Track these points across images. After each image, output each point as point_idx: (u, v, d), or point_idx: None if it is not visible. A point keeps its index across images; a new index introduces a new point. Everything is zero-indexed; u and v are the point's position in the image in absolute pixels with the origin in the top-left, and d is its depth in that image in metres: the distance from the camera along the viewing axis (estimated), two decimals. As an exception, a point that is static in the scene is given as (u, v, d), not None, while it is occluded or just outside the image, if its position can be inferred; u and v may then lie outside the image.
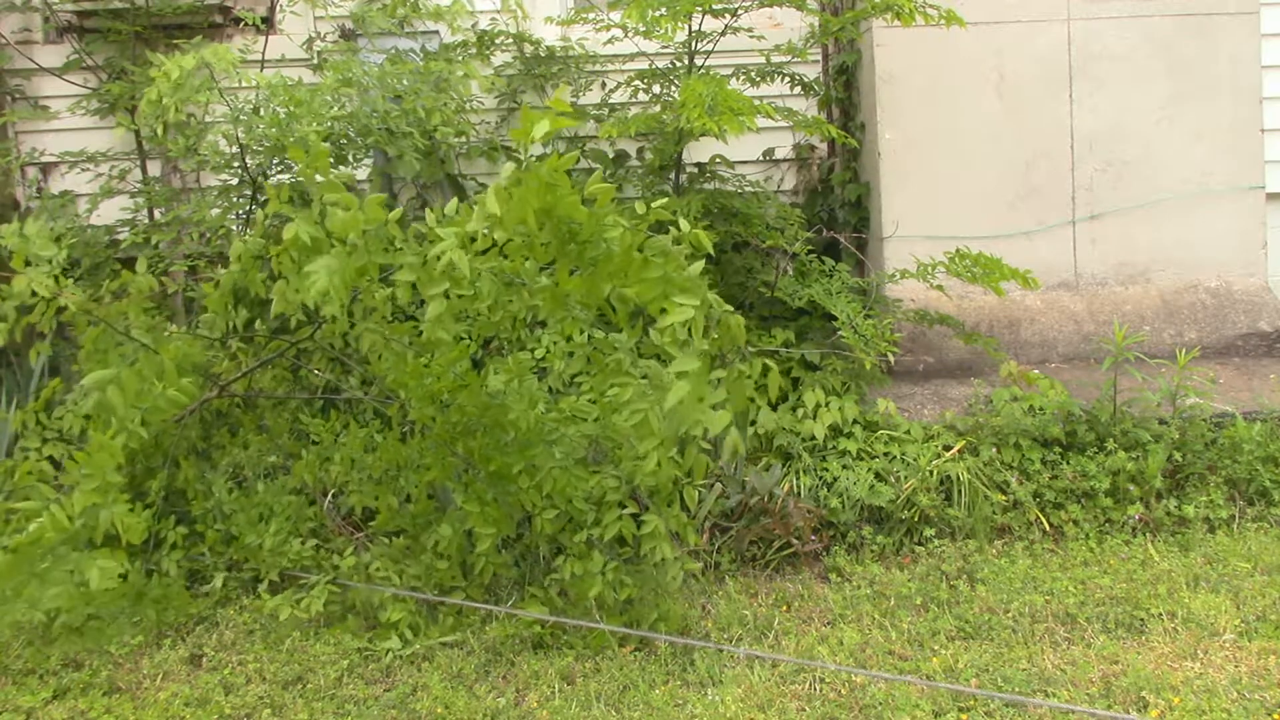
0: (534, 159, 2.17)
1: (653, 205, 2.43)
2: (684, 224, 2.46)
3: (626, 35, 4.56)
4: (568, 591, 3.31)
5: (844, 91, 5.36)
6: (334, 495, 3.76)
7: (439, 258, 2.19)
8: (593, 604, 3.22)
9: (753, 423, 3.95)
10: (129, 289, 2.95)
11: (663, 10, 4.03)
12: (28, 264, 2.66)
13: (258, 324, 3.35)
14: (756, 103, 3.89)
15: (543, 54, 5.21)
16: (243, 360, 3.37)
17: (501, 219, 2.15)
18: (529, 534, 3.47)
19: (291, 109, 3.85)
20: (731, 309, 2.48)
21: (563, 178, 2.20)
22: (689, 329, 2.28)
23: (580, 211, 2.25)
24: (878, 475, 3.90)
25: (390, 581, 3.35)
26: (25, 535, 2.33)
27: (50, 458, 3.24)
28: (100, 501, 2.36)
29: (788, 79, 4.71)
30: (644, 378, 2.75)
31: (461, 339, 3.24)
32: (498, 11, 5.06)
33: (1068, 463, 3.92)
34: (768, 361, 2.53)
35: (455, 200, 2.45)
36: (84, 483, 2.34)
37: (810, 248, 4.55)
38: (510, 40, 5.13)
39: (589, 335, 3.15)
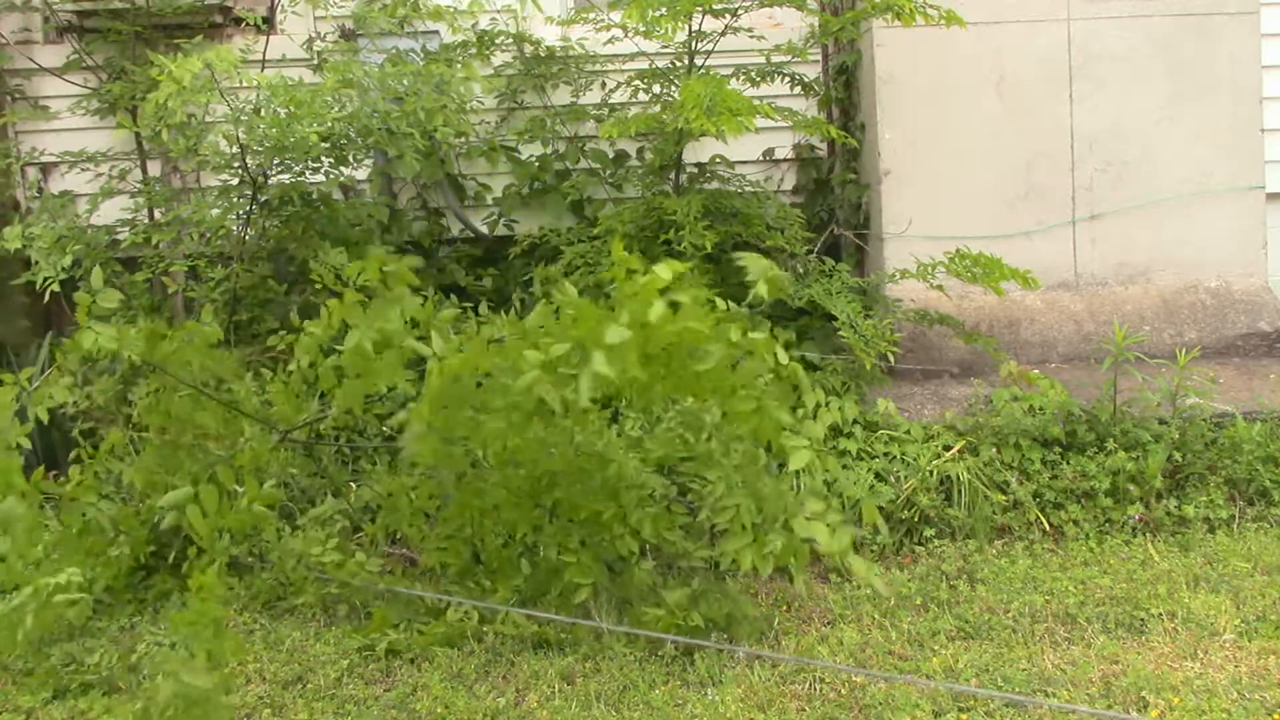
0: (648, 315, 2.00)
1: (751, 335, 2.20)
2: (783, 355, 2.26)
3: (626, 35, 4.56)
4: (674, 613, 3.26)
5: (844, 91, 5.35)
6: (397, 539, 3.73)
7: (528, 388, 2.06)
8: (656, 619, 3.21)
9: None
10: (194, 337, 2.88)
11: (663, 10, 4.03)
12: (89, 314, 2.63)
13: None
14: (756, 103, 3.88)
15: (543, 54, 5.21)
16: (304, 407, 3.29)
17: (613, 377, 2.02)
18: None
19: (292, 109, 3.85)
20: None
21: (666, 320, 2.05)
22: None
23: (679, 337, 2.10)
24: (878, 475, 3.90)
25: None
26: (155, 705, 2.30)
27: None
28: (215, 646, 2.33)
29: (788, 79, 4.71)
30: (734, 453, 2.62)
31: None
32: (498, 11, 5.06)
33: (1068, 463, 3.92)
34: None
35: (537, 309, 2.27)
36: (198, 635, 2.30)
37: (810, 248, 4.55)
38: (510, 40, 5.13)
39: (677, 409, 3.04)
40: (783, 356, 2.27)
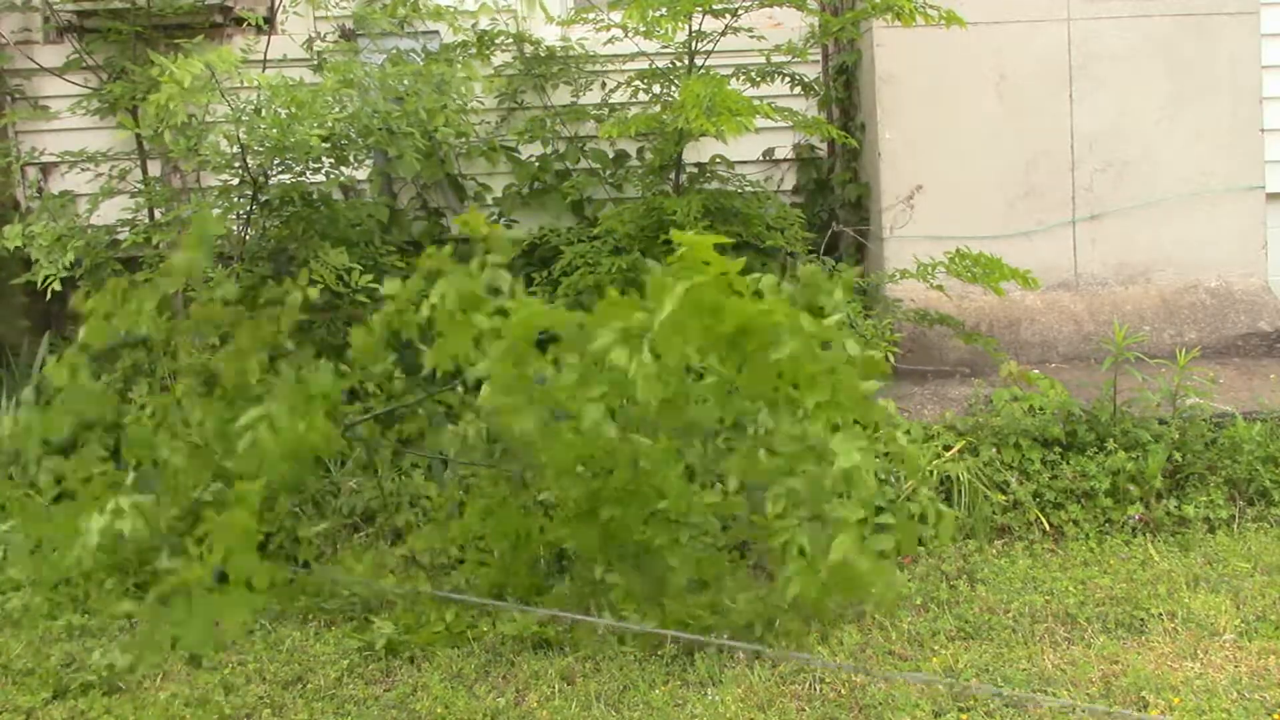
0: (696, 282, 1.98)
1: (824, 322, 2.19)
2: (853, 346, 2.24)
3: (626, 35, 4.56)
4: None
5: (844, 91, 5.36)
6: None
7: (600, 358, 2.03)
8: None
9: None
10: (284, 300, 2.84)
11: (663, 10, 4.03)
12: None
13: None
14: (756, 103, 3.89)
15: (543, 54, 5.22)
16: (372, 403, 3.23)
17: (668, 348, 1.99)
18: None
19: (293, 110, 3.85)
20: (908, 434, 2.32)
21: (726, 291, 2.04)
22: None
23: (748, 319, 2.08)
24: (877, 475, 3.90)
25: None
26: (163, 585, 2.27)
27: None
28: (236, 550, 2.29)
29: (788, 79, 4.71)
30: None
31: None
32: (498, 12, 5.06)
33: (1068, 463, 3.92)
34: (941, 507, 2.40)
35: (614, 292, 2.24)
36: (223, 533, 2.26)
37: (810, 247, 4.55)
38: (510, 40, 5.13)
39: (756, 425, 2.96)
40: (853, 348, 2.25)
